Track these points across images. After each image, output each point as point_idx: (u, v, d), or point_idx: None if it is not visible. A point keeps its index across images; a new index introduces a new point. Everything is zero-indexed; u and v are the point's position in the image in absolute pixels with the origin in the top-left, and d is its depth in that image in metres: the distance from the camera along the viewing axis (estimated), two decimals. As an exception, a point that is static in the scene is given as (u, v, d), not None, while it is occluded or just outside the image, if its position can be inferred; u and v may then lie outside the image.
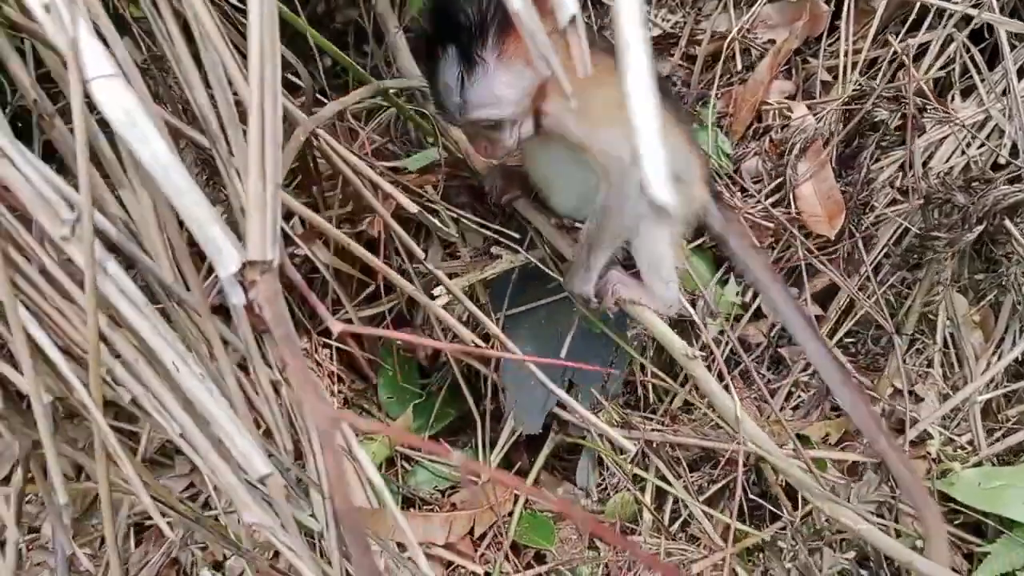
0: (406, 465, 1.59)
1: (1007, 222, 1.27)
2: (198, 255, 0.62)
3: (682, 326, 1.42)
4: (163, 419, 0.60)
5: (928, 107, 1.35)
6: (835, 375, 1.25)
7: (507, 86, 1.05)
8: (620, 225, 1.18)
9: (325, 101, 1.51)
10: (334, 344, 1.63)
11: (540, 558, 1.47)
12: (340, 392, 1.66)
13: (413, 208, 0.99)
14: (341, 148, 1.01)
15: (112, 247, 0.62)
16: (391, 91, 1.39)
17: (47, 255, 0.61)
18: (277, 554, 1.53)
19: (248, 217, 0.53)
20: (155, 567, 1.46)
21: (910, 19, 1.42)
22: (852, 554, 1.22)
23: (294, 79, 1.49)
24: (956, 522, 1.35)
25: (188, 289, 0.62)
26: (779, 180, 1.39)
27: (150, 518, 1.52)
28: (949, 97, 1.45)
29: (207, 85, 0.65)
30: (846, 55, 1.41)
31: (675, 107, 1.32)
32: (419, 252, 1.01)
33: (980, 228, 1.25)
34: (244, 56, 0.57)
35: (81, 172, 0.53)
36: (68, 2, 0.53)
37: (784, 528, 1.34)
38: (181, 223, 0.59)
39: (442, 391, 1.62)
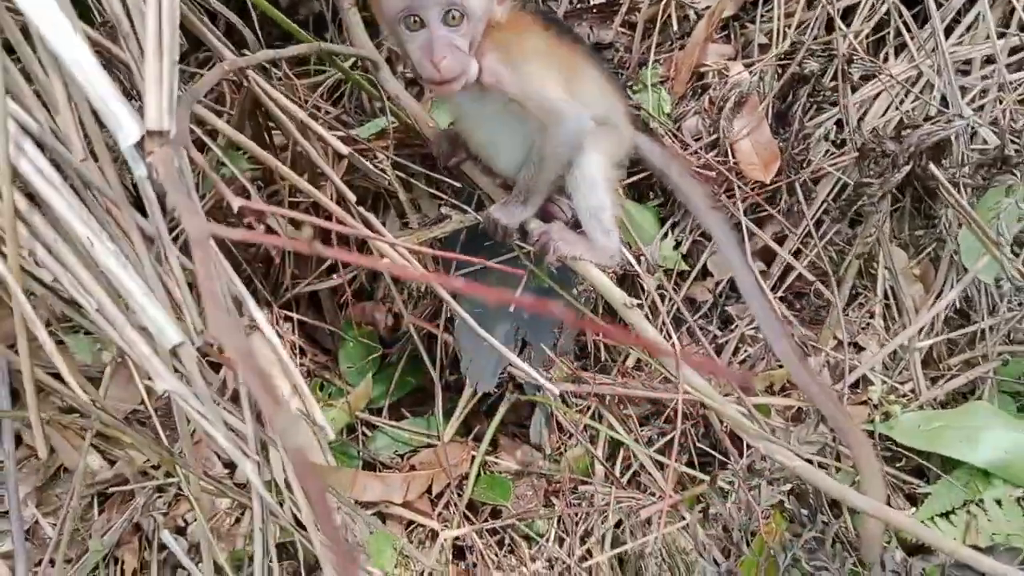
0: (367, 432, 1.62)
1: (931, 164, 1.31)
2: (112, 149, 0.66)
3: (630, 282, 1.46)
4: (81, 296, 0.63)
5: (856, 58, 1.40)
6: (764, 306, 1.32)
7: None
8: (555, 169, 1.26)
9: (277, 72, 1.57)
10: (295, 317, 1.66)
11: (496, 514, 1.49)
12: (302, 364, 1.69)
13: (344, 150, 1.03)
14: (280, 96, 1.05)
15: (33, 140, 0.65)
16: (339, 58, 1.45)
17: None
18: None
19: (145, 91, 0.57)
20: (117, 532, 1.47)
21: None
22: (788, 487, 1.25)
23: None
24: (898, 465, 1.39)
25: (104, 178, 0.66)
26: (716, 136, 1.44)
27: (113, 485, 1.55)
28: (882, 56, 1.50)
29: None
30: (779, 19, 1.46)
31: (590, 54, 1.37)
32: (350, 195, 1.04)
33: (908, 168, 1.30)
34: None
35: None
36: None
37: (733, 475, 1.37)
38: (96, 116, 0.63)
39: (402, 361, 1.66)
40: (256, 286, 1.63)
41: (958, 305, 1.47)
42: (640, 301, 1.29)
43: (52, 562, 1.35)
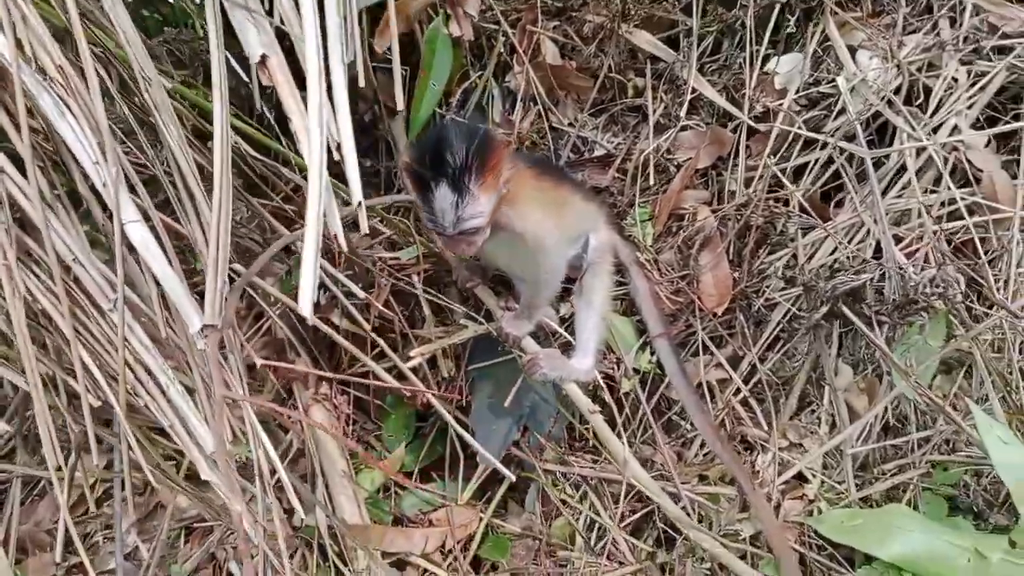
0: (398, 491, 1.97)
1: (842, 305, 1.59)
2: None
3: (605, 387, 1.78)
4: (161, 417, 1.01)
5: (792, 215, 1.70)
6: (701, 421, 1.66)
7: (486, 204, 1.44)
8: (544, 290, 1.63)
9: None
10: (351, 392, 2.05)
11: (495, 568, 1.82)
12: (353, 431, 2.07)
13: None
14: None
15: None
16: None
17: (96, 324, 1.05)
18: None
19: (207, 300, 0.95)
20: (196, 560, 1.88)
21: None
22: (708, 565, 1.54)
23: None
24: (824, 553, 1.64)
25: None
26: (686, 271, 1.75)
27: (197, 522, 1.96)
28: (832, 203, 1.78)
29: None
30: (741, 172, 1.77)
31: (570, 184, 1.72)
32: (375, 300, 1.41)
33: (825, 309, 1.59)
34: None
35: (120, 276, 0.96)
36: (113, 184, 0.96)
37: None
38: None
39: (432, 432, 2.02)
40: (322, 365, 2.02)
41: (891, 418, 1.72)
42: (599, 409, 1.60)
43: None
